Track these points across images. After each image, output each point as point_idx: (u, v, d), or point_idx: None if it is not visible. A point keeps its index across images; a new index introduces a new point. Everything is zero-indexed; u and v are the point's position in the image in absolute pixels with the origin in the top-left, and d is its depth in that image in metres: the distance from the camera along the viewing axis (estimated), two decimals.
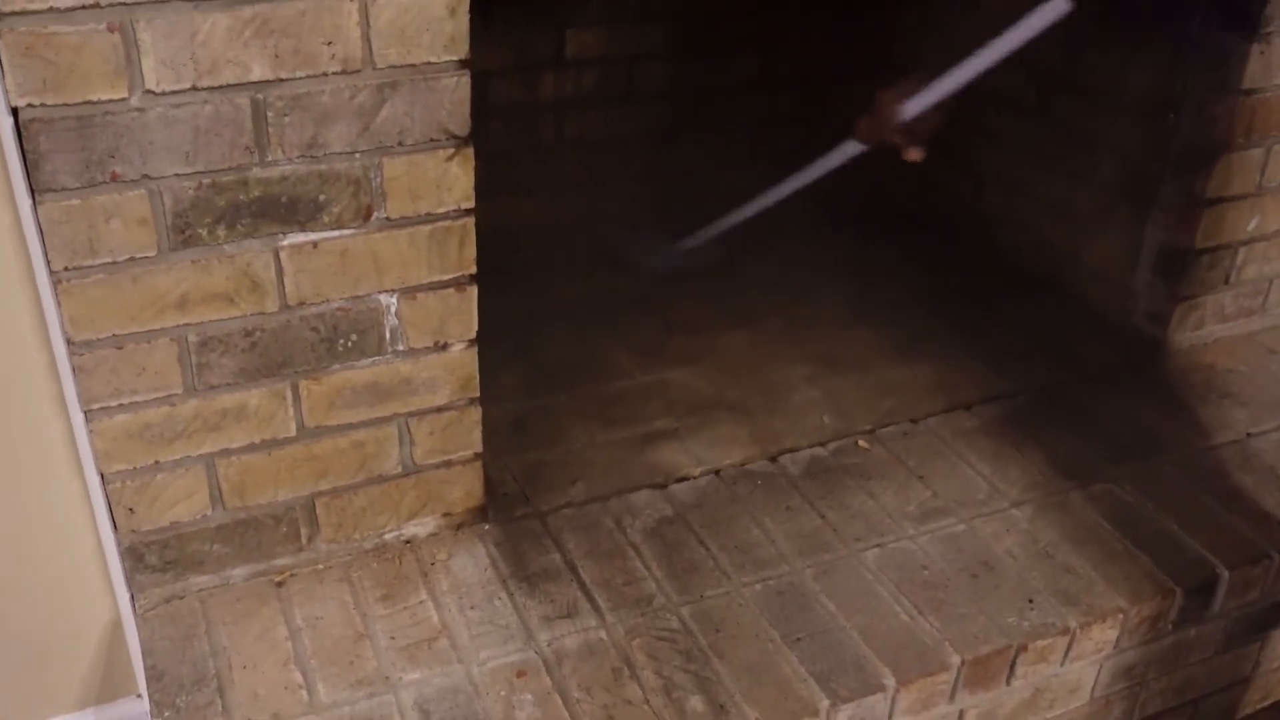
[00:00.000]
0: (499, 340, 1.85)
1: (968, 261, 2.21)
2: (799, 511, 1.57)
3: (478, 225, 1.33)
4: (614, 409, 1.76)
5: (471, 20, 1.21)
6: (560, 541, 1.50)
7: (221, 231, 1.21)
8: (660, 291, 2.07)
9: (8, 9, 1.03)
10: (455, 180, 1.29)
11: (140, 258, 1.19)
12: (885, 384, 1.85)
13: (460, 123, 1.26)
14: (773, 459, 1.67)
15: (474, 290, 1.36)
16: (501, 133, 2.16)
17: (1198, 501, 1.64)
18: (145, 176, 1.15)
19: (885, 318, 2.03)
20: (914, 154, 1.62)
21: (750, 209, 2.00)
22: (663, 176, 2.31)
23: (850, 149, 1.75)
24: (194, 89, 1.13)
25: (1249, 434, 1.78)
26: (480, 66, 2.14)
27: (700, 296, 2.06)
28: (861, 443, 1.71)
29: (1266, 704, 1.76)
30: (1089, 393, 1.86)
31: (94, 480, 1.31)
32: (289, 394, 1.32)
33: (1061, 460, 1.69)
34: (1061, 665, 1.45)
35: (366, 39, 1.17)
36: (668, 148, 2.32)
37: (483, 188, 2.09)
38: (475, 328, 1.38)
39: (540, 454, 1.66)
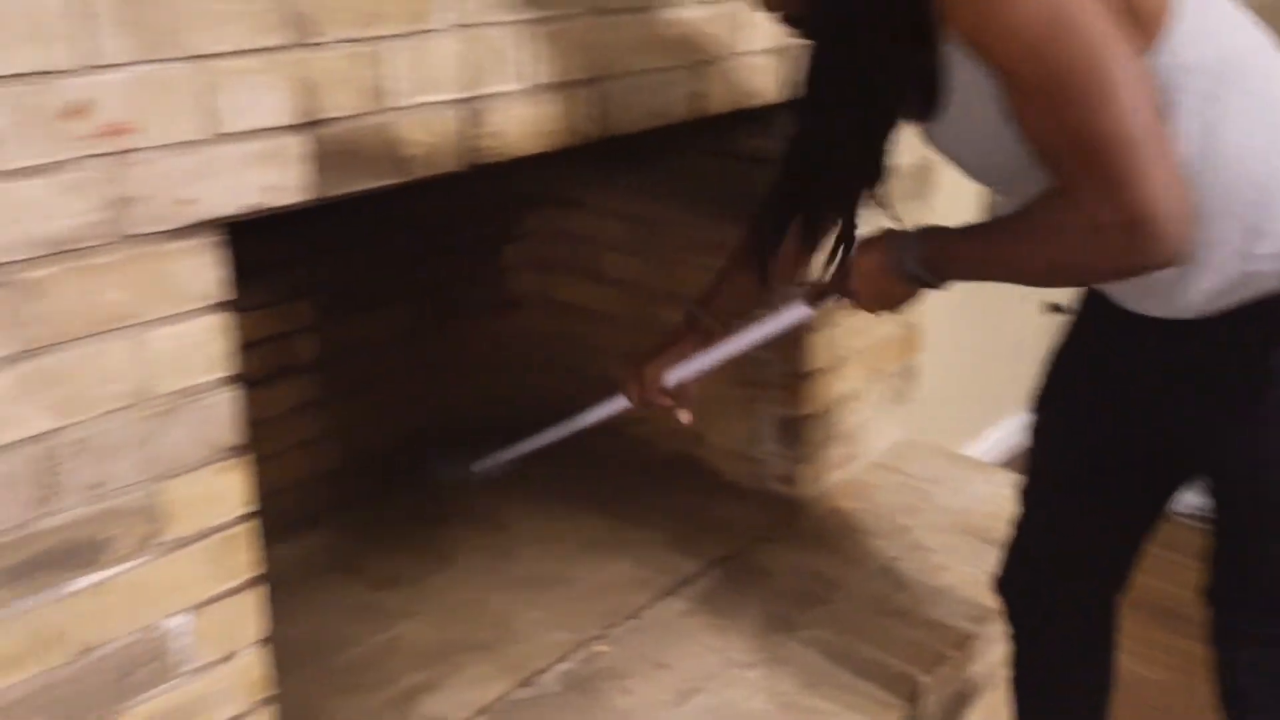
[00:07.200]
0: None
1: (615, 455, 2.42)
2: None
3: None
4: (361, 676, 1.78)
5: None
6: None
7: (6, 593, 1.16)
8: (350, 552, 2.11)
9: None
10: (236, 488, 1.32)
11: None
12: (594, 589, 2.01)
13: (236, 433, 1.30)
14: (526, 684, 1.77)
15: (263, 589, 1.37)
16: None
17: (879, 626, 1.93)
18: None
19: (563, 525, 2.20)
20: (685, 416, 1.64)
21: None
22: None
23: (619, 403, 1.70)
24: None
25: (893, 558, 2.12)
26: None
27: (391, 549, 2.13)
28: (599, 647, 1.85)
29: None
30: (759, 555, 2.13)
31: None
32: None
33: (766, 618, 1.93)
34: None
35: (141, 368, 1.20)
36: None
37: None
38: (267, 626, 1.39)
39: None
